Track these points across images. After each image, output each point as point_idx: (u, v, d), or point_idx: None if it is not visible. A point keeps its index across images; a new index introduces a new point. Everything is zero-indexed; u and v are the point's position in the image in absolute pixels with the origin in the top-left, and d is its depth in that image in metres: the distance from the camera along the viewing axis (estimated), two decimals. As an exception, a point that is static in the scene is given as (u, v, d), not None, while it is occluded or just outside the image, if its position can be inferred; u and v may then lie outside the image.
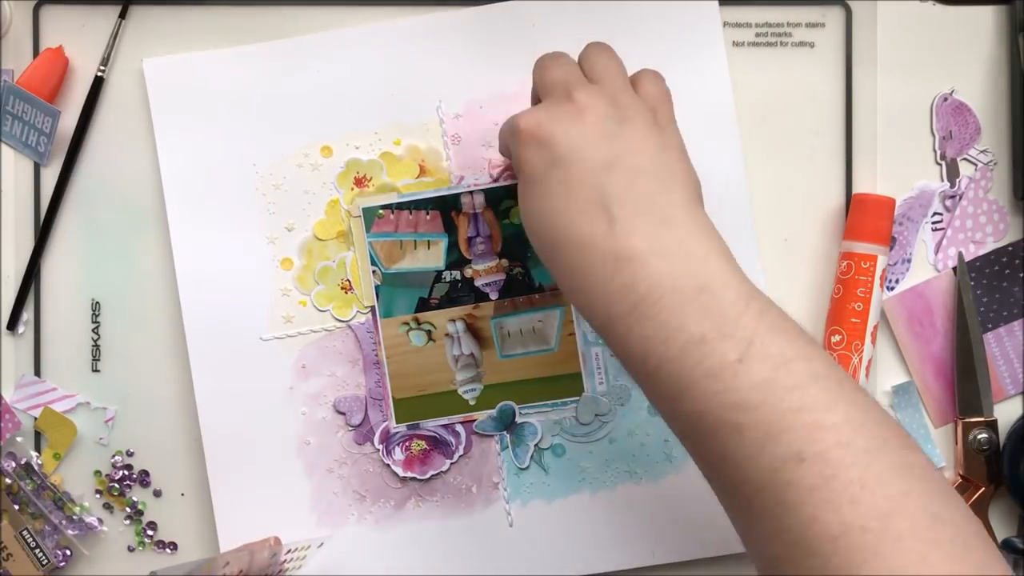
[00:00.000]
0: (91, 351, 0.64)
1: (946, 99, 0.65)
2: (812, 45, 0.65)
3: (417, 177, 0.64)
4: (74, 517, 0.64)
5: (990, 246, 0.66)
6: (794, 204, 0.65)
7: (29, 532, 0.64)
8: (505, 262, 0.64)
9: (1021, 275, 0.65)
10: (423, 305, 0.64)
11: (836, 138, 0.65)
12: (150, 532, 0.64)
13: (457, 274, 0.64)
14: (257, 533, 0.63)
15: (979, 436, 0.64)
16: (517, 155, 0.52)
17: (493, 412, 0.64)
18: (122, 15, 0.64)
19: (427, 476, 0.64)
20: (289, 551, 0.62)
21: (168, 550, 0.64)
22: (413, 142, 0.64)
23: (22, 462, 0.64)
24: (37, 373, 0.64)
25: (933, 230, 0.66)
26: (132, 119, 0.64)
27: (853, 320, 0.62)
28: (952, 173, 0.66)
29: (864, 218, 0.63)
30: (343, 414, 0.64)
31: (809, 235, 0.65)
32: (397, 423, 0.64)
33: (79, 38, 0.64)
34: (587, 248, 0.48)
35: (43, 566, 0.63)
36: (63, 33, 0.64)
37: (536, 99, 0.56)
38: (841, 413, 0.44)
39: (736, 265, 0.49)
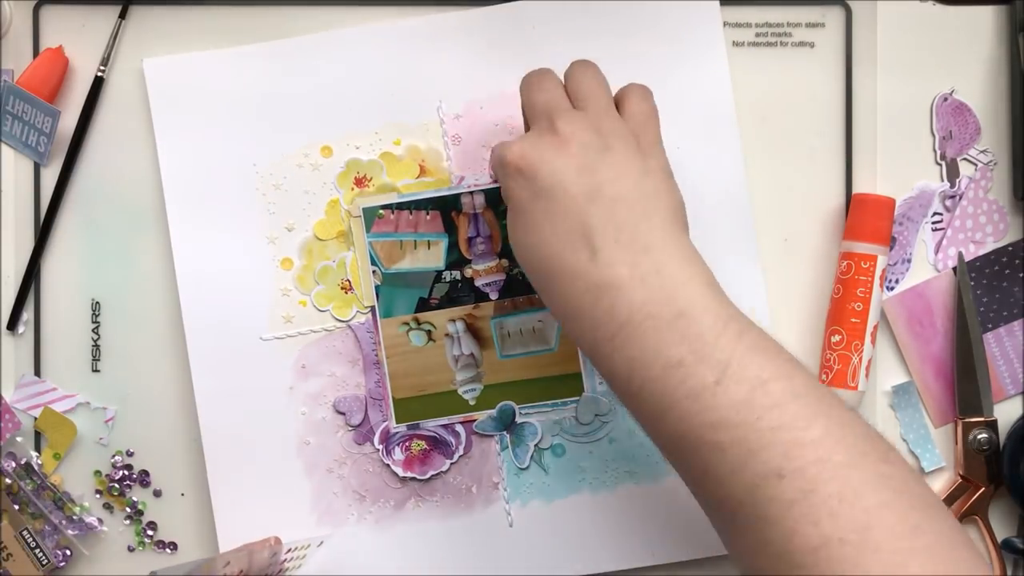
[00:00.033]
0: (91, 351, 0.64)
1: (946, 99, 0.65)
2: (812, 45, 0.65)
3: (417, 177, 0.64)
4: (74, 517, 0.64)
5: (990, 246, 0.66)
6: (794, 204, 0.65)
7: (29, 532, 0.64)
8: (505, 262, 0.64)
9: (1021, 275, 0.65)
10: (423, 305, 0.64)
11: (836, 138, 0.65)
12: (150, 532, 0.64)
13: (457, 274, 0.64)
14: (257, 533, 0.63)
15: (979, 436, 0.64)
16: (504, 186, 0.54)
17: (493, 412, 0.64)
18: (122, 15, 0.64)
19: (427, 476, 0.64)
20: (289, 550, 0.62)
21: (168, 550, 0.64)
22: (413, 142, 0.64)
23: (22, 462, 0.64)
24: (37, 373, 0.64)
25: (933, 230, 0.66)
26: (132, 119, 0.64)
27: (853, 320, 0.62)
28: (952, 173, 0.66)
29: (864, 218, 0.63)
30: (343, 414, 0.64)
31: (809, 235, 0.65)
32: (397, 423, 0.64)
33: (79, 38, 0.64)
34: (572, 277, 0.50)
35: (43, 566, 0.63)
36: (63, 33, 0.64)
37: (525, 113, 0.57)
38: (820, 429, 0.46)
39: (717, 288, 0.50)
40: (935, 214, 0.66)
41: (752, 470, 0.45)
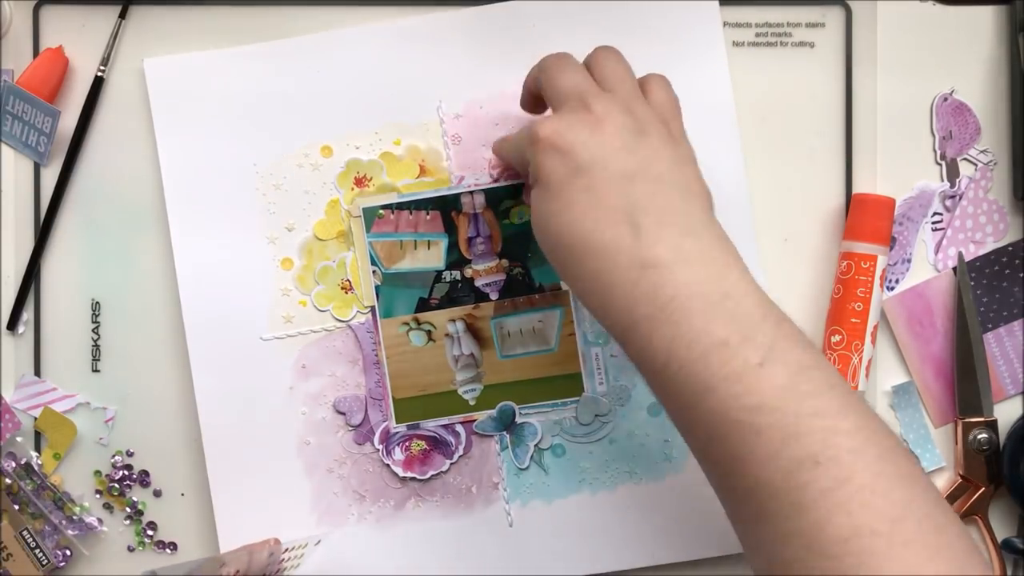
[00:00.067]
0: (91, 351, 0.64)
1: (946, 99, 0.65)
2: (812, 45, 0.65)
3: (417, 177, 0.64)
4: (74, 517, 0.64)
5: (990, 246, 0.66)
6: (794, 204, 0.65)
7: (29, 532, 0.64)
8: (505, 262, 0.64)
9: (1021, 275, 0.65)
10: (423, 305, 0.64)
11: (836, 138, 0.65)
12: (150, 532, 0.64)
13: (457, 274, 0.64)
14: (257, 533, 0.63)
15: (979, 436, 0.64)
16: (536, 163, 0.52)
17: (493, 412, 0.64)
18: (122, 15, 0.64)
19: (427, 476, 0.64)
20: (287, 549, 0.62)
21: (168, 550, 0.64)
22: (413, 142, 0.64)
23: (22, 462, 0.64)
24: (37, 373, 0.64)
25: (933, 230, 0.66)
26: (132, 119, 0.64)
27: (853, 320, 0.62)
28: (952, 173, 0.66)
29: (864, 218, 0.63)
30: (343, 414, 0.64)
31: (809, 235, 0.65)
32: (397, 423, 0.64)
33: (79, 38, 0.64)
34: (611, 254, 0.49)
35: (43, 566, 0.63)
36: (63, 33, 0.64)
37: (530, 94, 0.57)
38: (852, 421, 0.46)
39: (752, 276, 0.50)
40: (935, 214, 0.66)
41: (789, 455, 0.45)
